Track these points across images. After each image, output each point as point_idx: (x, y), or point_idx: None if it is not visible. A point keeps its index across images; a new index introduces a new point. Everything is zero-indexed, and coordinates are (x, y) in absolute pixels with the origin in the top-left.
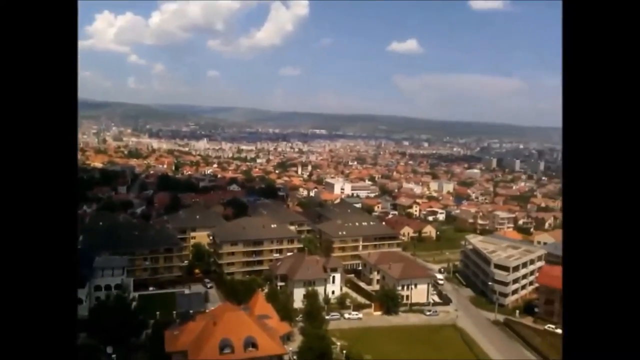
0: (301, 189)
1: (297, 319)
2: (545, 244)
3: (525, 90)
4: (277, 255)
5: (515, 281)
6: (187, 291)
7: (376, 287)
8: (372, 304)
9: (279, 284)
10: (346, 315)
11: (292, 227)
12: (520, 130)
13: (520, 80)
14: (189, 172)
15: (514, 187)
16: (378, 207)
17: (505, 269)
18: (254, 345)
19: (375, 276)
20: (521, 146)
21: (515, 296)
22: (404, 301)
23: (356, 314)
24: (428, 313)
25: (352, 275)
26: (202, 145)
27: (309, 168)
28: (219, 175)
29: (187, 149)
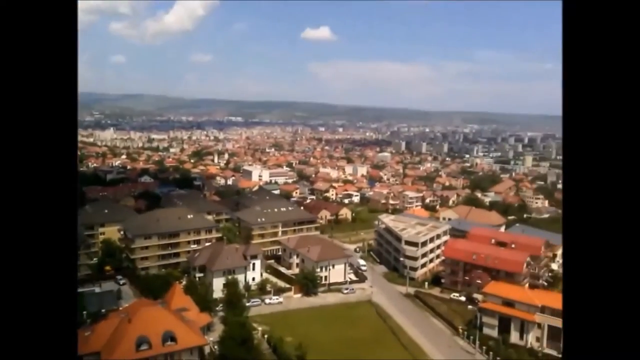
0: (218, 178)
1: (217, 308)
2: (449, 219)
3: (430, 77)
4: (195, 246)
5: (424, 255)
6: (97, 290)
7: (296, 270)
8: (292, 287)
9: (198, 275)
10: (267, 301)
11: (210, 217)
12: (426, 115)
13: (426, 67)
14: (95, 165)
15: (421, 168)
16: (296, 192)
17: (414, 244)
18: (173, 339)
19: (295, 260)
20: (427, 130)
21: (424, 269)
22: (323, 282)
23: (277, 298)
24: (345, 291)
25: (273, 260)
26: (108, 135)
27: (226, 156)
28: (129, 167)
29: (91, 139)
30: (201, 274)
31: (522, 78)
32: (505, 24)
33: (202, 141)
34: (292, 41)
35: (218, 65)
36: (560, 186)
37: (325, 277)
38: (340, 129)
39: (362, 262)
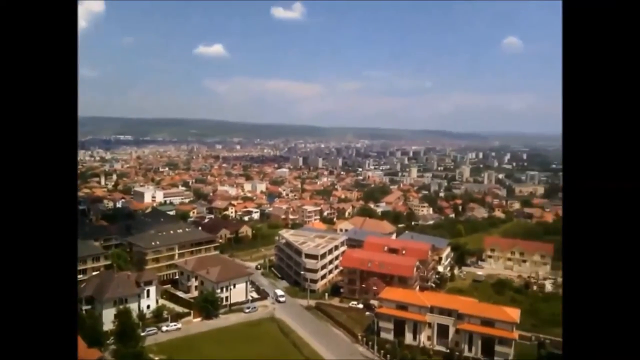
0: (106, 201)
1: (108, 342)
2: (346, 230)
3: (324, 94)
4: (81, 276)
5: (324, 267)
6: None
7: (195, 293)
8: (192, 312)
9: (85, 307)
10: (164, 328)
11: (97, 243)
12: (321, 131)
13: (320, 85)
14: None
15: (318, 183)
16: (194, 212)
17: (314, 257)
18: None
19: (194, 283)
20: (322, 145)
21: (324, 280)
22: (224, 303)
23: (175, 325)
24: (247, 310)
25: (169, 285)
26: None
27: (114, 177)
28: None
29: None
30: (89, 306)
31: (405, 95)
32: (390, 45)
33: (86, 162)
34: (185, 57)
35: (104, 81)
36: (442, 194)
37: (227, 297)
38: (238, 146)
39: (280, 292)
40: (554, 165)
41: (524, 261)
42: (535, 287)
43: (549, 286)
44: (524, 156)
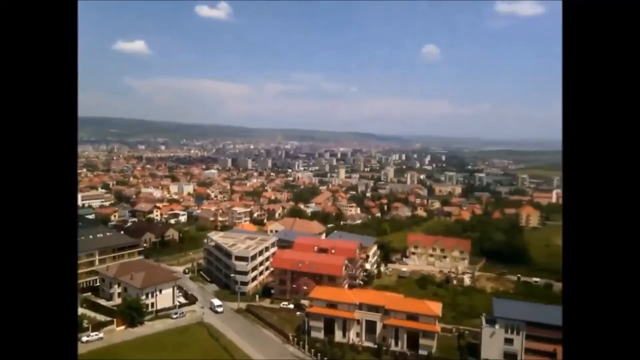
0: None
1: None
2: (276, 231)
3: (252, 96)
4: None
5: (254, 269)
6: None
7: (118, 301)
8: (115, 320)
9: None
10: (84, 339)
11: None
12: (250, 132)
13: (248, 86)
14: None
15: (247, 184)
16: (115, 215)
17: (244, 259)
18: None
19: (116, 289)
20: (252, 146)
21: (255, 282)
22: (150, 309)
23: (96, 334)
24: (175, 316)
25: (89, 293)
26: None
27: None
28: None
29: None
30: None
31: (332, 98)
32: (318, 50)
33: None
34: (103, 53)
35: None
36: (369, 194)
37: (152, 303)
38: (163, 147)
39: (217, 302)
40: (469, 167)
41: (445, 257)
42: (455, 282)
43: (467, 280)
44: (443, 158)
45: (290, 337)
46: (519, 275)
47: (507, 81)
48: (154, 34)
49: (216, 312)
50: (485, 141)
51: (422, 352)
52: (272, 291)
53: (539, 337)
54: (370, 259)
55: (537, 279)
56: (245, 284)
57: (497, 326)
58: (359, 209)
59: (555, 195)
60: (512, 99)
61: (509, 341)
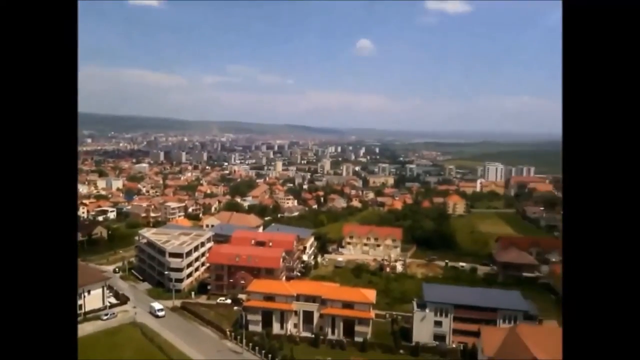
0: None
1: None
2: (212, 226)
3: (185, 86)
4: None
5: (189, 265)
6: None
7: None
8: None
9: None
10: None
11: None
12: (184, 124)
13: (182, 77)
14: None
15: (182, 178)
16: None
17: (179, 255)
18: None
19: None
20: (185, 139)
21: (190, 279)
22: (78, 311)
23: None
24: (105, 317)
25: None
26: None
27: None
28: None
29: None
30: None
31: (268, 91)
32: (254, 41)
33: None
34: None
35: None
36: (306, 186)
37: (81, 305)
38: (89, 140)
39: (157, 305)
40: (401, 158)
41: (378, 245)
42: (388, 269)
43: (399, 267)
44: (377, 150)
45: (228, 333)
46: (447, 261)
47: (435, 76)
48: (81, 19)
49: (157, 316)
50: (415, 133)
51: (357, 338)
52: (209, 287)
53: (465, 318)
54: (307, 251)
55: (464, 264)
56: (180, 281)
57: (427, 310)
58: (296, 201)
59: (479, 184)
60: (440, 94)
61: (438, 324)
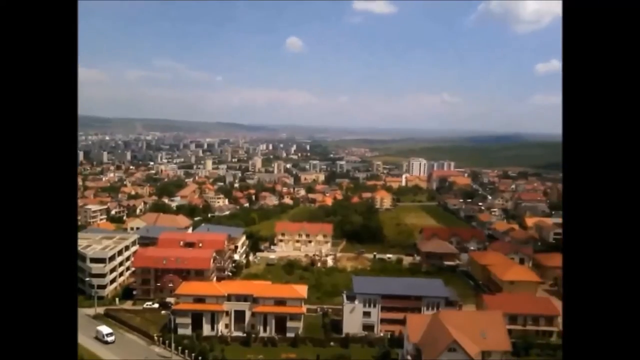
0: None
1: None
2: (137, 228)
3: (108, 82)
4: None
5: (113, 270)
6: None
7: None
8: None
9: None
10: None
11: None
12: (105, 122)
13: (102, 72)
14: None
15: (103, 179)
16: None
17: (101, 261)
18: None
19: None
20: (107, 137)
21: (114, 285)
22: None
23: None
24: None
25: None
26: None
27: None
28: None
29: None
30: None
31: (197, 87)
32: (180, 36)
33: None
34: None
35: None
36: (237, 185)
37: None
38: None
39: (105, 329)
40: (331, 155)
41: (310, 241)
42: (319, 264)
43: (330, 261)
44: (308, 147)
45: (156, 338)
46: (375, 253)
47: (362, 75)
48: None
49: (107, 342)
50: (345, 130)
51: (289, 334)
52: (134, 292)
53: (391, 307)
54: (239, 250)
55: (390, 255)
56: (102, 287)
57: (356, 302)
58: (227, 200)
59: (404, 179)
60: (367, 92)
61: (367, 314)
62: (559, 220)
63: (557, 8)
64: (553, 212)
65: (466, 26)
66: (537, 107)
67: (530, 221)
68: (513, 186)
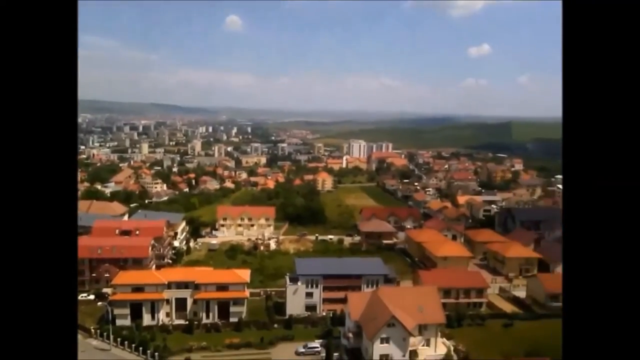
0: None
1: None
2: None
3: None
4: None
5: None
6: None
7: None
8: None
9: None
10: None
11: None
12: None
13: None
14: None
15: None
16: None
17: None
18: None
19: None
20: None
21: None
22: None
23: None
24: None
25: None
26: None
27: None
28: None
29: None
30: None
31: (129, 67)
32: (112, 13)
33: None
34: None
35: None
36: (175, 169)
37: None
38: None
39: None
40: (273, 137)
41: (252, 225)
42: (262, 247)
43: (273, 244)
44: (249, 130)
45: (93, 330)
46: (317, 235)
47: (302, 56)
48: None
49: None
50: (286, 113)
51: (233, 319)
52: None
53: (333, 287)
54: (179, 236)
55: (332, 236)
56: None
57: (299, 283)
58: (165, 185)
59: (345, 161)
60: (307, 74)
61: (309, 295)
62: (488, 197)
63: None
64: (483, 190)
65: (403, 10)
66: (468, 89)
67: (462, 199)
68: (446, 166)
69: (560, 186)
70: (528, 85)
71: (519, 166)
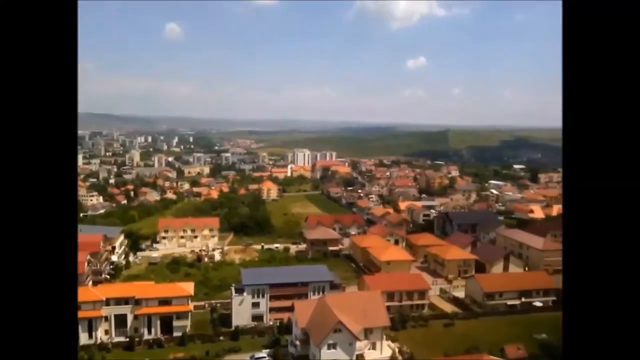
0: None
1: None
2: None
3: None
4: None
5: None
6: None
7: None
8: None
9: None
10: None
11: None
12: None
13: None
14: None
15: None
16: None
17: None
18: None
19: None
20: None
21: None
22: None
23: None
24: None
25: None
26: None
27: None
28: None
29: None
30: None
31: None
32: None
33: None
34: None
35: None
36: (112, 181)
37: None
38: None
39: None
40: (216, 147)
41: (195, 237)
42: (206, 259)
43: (217, 255)
44: (191, 139)
45: None
46: (263, 244)
47: (244, 66)
48: None
49: None
50: (229, 122)
51: (176, 333)
52: None
53: (280, 296)
54: (117, 250)
55: (278, 245)
56: None
57: (245, 294)
58: (101, 198)
59: (289, 170)
60: (249, 84)
61: (256, 305)
62: (427, 203)
63: (423, 8)
64: (422, 196)
65: (344, 22)
66: (407, 99)
67: (403, 205)
68: (388, 174)
69: (494, 191)
70: (462, 96)
71: (455, 172)
